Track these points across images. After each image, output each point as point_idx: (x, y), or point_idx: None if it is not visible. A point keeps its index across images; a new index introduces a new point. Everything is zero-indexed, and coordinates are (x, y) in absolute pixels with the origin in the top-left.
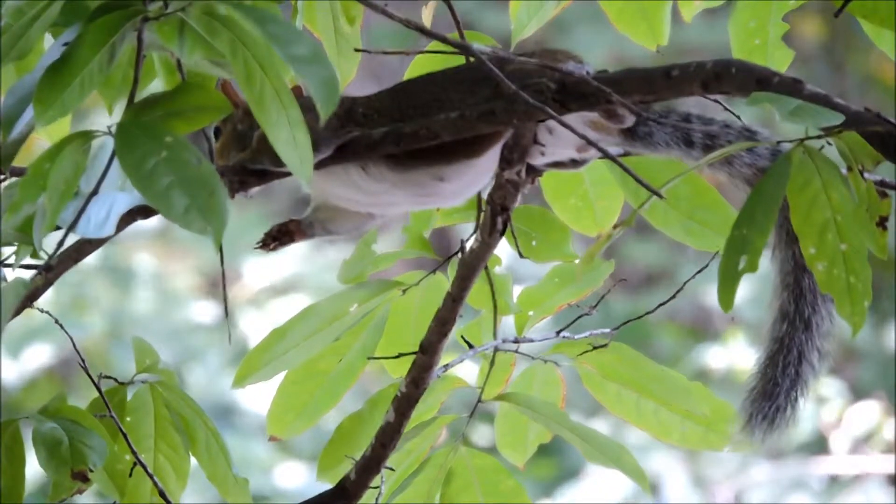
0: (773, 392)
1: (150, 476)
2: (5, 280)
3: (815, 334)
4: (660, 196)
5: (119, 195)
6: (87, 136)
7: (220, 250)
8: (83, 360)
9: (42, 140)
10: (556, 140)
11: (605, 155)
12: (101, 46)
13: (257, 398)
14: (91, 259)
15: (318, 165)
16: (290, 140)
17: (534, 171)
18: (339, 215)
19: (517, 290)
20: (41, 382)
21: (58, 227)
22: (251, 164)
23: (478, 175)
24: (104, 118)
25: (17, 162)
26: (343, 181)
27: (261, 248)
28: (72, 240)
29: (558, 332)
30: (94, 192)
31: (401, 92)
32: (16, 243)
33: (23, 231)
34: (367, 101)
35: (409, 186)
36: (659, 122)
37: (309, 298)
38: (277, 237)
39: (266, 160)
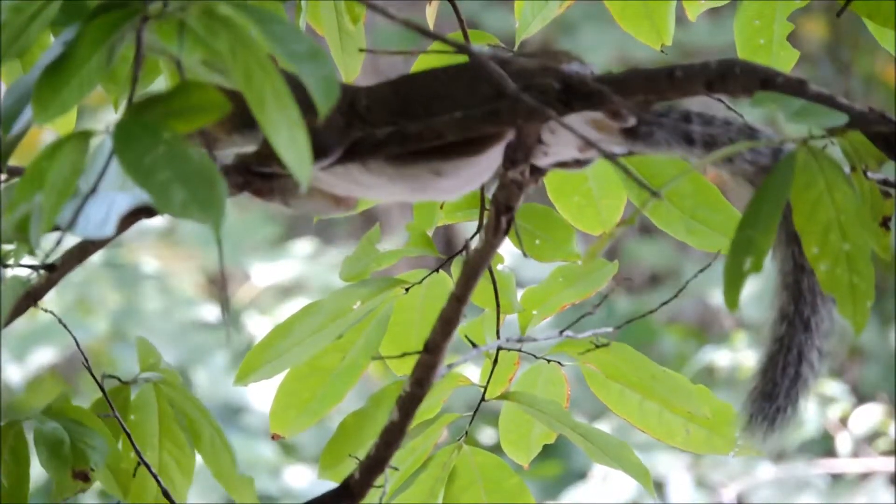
0: (772, 393)
1: (154, 476)
2: (5, 279)
3: (814, 334)
4: (658, 197)
5: (118, 195)
6: (86, 135)
7: (219, 243)
8: (87, 360)
9: (48, 134)
10: (559, 140)
11: (604, 155)
12: (100, 46)
13: (264, 399)
14: (95, 259)
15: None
16: (290, 141)
17: (537, 171)
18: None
19: (519, 293)
20: (45, 382)
21: (58, 228)
22: (258, 167)
23: (476, 173)
24: (113, 116)
25: (21, 159)
26: (341, 176)
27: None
28: (72, 240)
29: (562, 332)
30: (93, 191)
31: (403, 84)
32: (15, 242)
33: (21, 230)
34: (369, 91)
35: (405, 181)
36: (657, 121)
37: (314, 299)
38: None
39: (275, 163)
